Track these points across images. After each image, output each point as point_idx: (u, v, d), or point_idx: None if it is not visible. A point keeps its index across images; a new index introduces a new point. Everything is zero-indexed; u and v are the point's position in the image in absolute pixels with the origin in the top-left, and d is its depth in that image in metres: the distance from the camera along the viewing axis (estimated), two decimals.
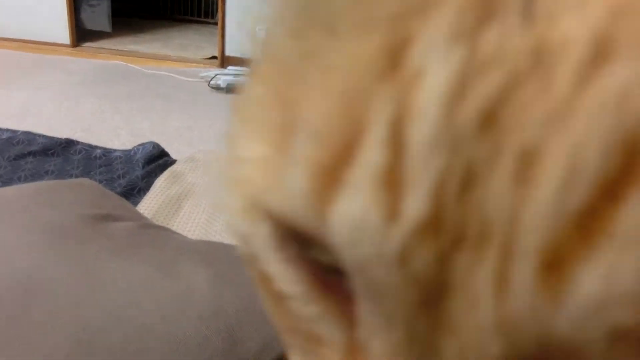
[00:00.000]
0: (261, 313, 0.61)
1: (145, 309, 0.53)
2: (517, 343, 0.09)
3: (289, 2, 0.13)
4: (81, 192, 0.85)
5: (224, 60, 2.75)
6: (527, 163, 0.08)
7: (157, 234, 0.72)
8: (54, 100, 2.04)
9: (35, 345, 0.48)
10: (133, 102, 2.11)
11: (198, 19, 3.99)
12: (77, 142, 1.47)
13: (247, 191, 0.13)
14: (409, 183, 0.09)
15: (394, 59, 0.10)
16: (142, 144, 1.44)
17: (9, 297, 0.53)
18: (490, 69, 0.09)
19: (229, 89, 2.32)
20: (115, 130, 1.76)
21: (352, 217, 0.10)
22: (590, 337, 0.09)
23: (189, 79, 2.45)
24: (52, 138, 1.47)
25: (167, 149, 1.48)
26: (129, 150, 1.44)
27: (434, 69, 0.09)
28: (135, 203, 1.12)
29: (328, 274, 0.13)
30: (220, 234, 0.98)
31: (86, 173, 1.29)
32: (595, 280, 0.08)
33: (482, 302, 0.09)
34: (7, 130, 1.50)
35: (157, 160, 1.35)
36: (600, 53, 0.08)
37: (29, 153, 1.37)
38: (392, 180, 0.09)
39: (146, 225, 0.77)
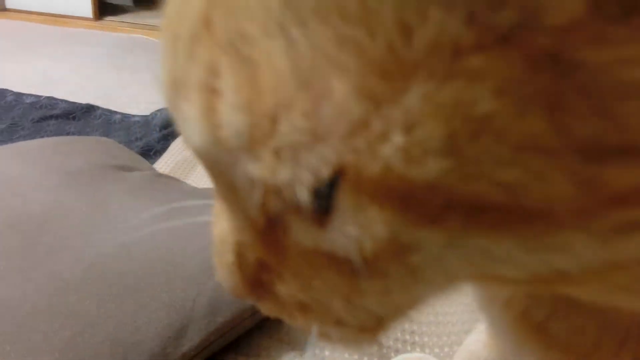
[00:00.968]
0: None
1: (153, 240, 0.56)
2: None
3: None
4: (98, 145, 0.88)
5: None
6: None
7: (168, 181, 0.75)
8: (75, 70, 2.09)
9: (51, 266, 0.51)
10: (152, 73, 2.14)
11: None
12: (98, 107, 1.51)
13: None
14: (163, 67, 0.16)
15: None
16: (160, 109, 1.47)
17: (28, 224, 0.56)
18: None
19: None
20: (134, 98, 1.80)
21: (160, 84, 0.17)
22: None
23: None
24: (73, 103, 1.51)
25: None
26: (147, 115, 1.47)
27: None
28: (152, 163, 1.16)
29: None
30: None
31: (105, 136, 1.33)
32: None
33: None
34: (31, 95, 1.55)
35: (174, 124, 1.38)
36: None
37: (51, 116, 1.42)
38: (164, 62, 0.17)
39: (159, 175, 0.80)
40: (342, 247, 0.15)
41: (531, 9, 0.11)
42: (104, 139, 0.98)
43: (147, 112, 1.52)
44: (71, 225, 0.57)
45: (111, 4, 3.05)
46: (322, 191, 0.14)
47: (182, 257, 0.55)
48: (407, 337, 0.59)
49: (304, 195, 0.14)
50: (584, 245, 0.13)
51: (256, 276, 0.20)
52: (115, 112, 1.50)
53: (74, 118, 1.44)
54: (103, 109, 1.51)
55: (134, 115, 1.49)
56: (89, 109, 1.49)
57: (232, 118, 0.14)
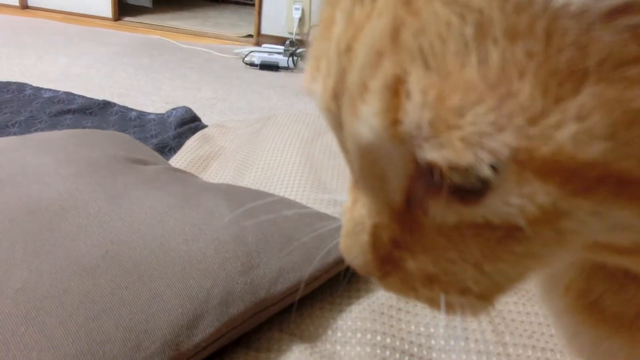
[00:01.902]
0: (281, 245, 0.63)
1: (169, 230, 0.56)
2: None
3: None
4: (115, 139, 0.89)
5: (260, 39, 2.79)
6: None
7: (183, 176, 0.76)
8: (93, 68, 2.11)
9: (67, 252, 0.51)
10: (168, 72, 2.16)
11: (236, 0, 4.05)
12: (114, 104, 1.53)
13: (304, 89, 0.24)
14: (328, 77, 0.20)
15: (331, 21, 0.21)
16: (175, 108, 1.48)
17: (46, 212, 0.57)
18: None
19: (263, 66, 2.35)
20: (149, 97, 1.82)
21: (315, 90, 0.21)
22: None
23: (224, 55, 2.49)
24: (90, 99, 1.53)
25: (201, 117, 1.52)
26: (163, 114, 1.48)
27: (335, 28, 0.20)
28: (167, 159, 1.16)
29: None
30: (247, 187, 1.01)
31: (121, 131, 1.34)
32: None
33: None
34: (50, 90, 1.57)
35: (188, 123, 1.39)
36: None
37: (69, 111, 1.43)
38: (325, 76, 0.20)
39: (173, 169, 0.81)
40: (503, 215, 0.19)
41: None
42: (120, 133, 0.98)
43: (162, 111, 1.54)
44: (88, 213, 0.58)
45: (130, 4, 3.10)
46: (483, 172, 0.17)
47: (197, 247, 0.55)
48: (423, 340, 0.59)
49: (484, 172, 0.17)
50: None
51: (388, 253, 0.23)
52: (132, 109, 1.51)
53: (90, 113, 1.45)
54: (119, 106, 1.52)
55: (149, 113, 1.51)
56: (106, 105, 1.50)
57: (416, 115, 0.17)
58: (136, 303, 0.47)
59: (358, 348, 0.55)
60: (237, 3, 4.02)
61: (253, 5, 2.93)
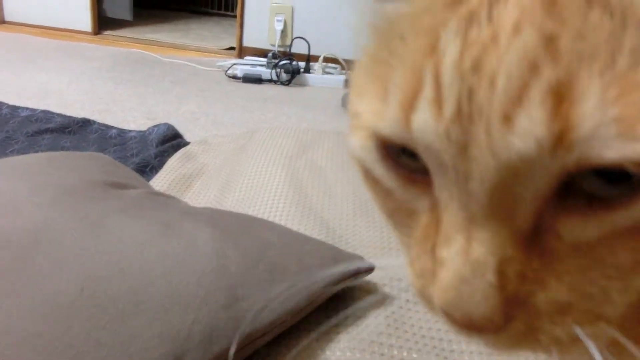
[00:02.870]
0: (265, 274, 0.61)
1: (149, 262, 0.54)
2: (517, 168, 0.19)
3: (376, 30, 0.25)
4: (93, 161, 0.86)
5: (242, 51, 2.77)
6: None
7: (164, 200, 0.73)
8: (73, 84, 2.08)
9: (40, 290, 0.49)
10: (149, 87, 2.13)
11: (218, 11, 4.02)
12: (94, 122, 1.50)
13: (364, 129, 0.24)
14: (443, 101, 0.20)
15: (433, 48, 0.20)
16: (157, 125, 1.45)
17: (19, 244, 0.54)
18: (471, 46, 0.20)
19: (246, 78, 2.33)
20: (131, 112, 1.79)
21: (422, 121, 0.20)
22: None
23: (206, 68, 2.47)
24: (69, 117, 1.49)
25: (182, 132, 1.50)
26: (144, 131, 1.45)
27: (449, 50, 0.20)
28: (147, 180, 1.14)
29: (415, 173, 0.23)
30: (230, 207, 0.99)
31: (101, 151, 1.31)
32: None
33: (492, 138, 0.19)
34: (27, 108, 1.53)
35: (170, 141, 1.36)
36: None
37: (46, 130, 1.40)
38: (436, 102, 0.20)
39: (155, 193, 0.78)
40: None
41: None
42: (99, 154, 0.96)
43: (144, 127, 1.51)
44: (64, 245, 0.55)
45: (111, 18, 3.06)
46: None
47: (178, 280, 0.53)
48: (445, 345, 0.57)
49: None
50: None
51: (515, 292, 0.21)
52: (112, 127, 1.48)
53: (69, 132, 1.42)
54: (99, 124, 1.49)
55: (130, 131, 1.48)
56: (85, 123, 1.47)
57: (596, 115, 0.18)
58: (114, 345, 0.45)
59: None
60: (219, 15, 4.00)
61: (234, 17, 2.92)
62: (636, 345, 0.22)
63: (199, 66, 2.50)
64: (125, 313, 0.48)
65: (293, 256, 0.59)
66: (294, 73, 2.36)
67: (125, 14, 3.06)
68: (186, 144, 1.38)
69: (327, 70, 2.48)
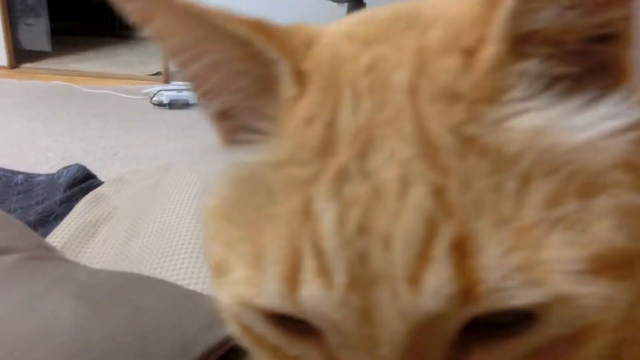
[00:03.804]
0: (134, 349, 0.56)
1: (2, 346, 0.49)
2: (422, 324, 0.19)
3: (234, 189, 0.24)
4: None
5: (169, 76, 2.70)
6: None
7: (38, 266, 0.67)
8: None
9: None
10: (67, 123, 2.03)
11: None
12: None
13: (235, 296, 0.22)
14: (332, 270, 0.19)
15: (307, 212, 0.19)
16: (68, 167, 1.38)
17: None
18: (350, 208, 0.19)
19: (172, 105, 2.26)
20: (44, 153, 1.69)
21: (310, 294, 0.19)
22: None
23: (131, 97, 2.38)
24: None
25: (100, 169, 1.42)
26: (53, 174, 1.37)
27: (325, 215, 0.19)
28: (49, 230, 1.07)
29: (301, 325, 0.21)
30: (134, 255, 0.93)
31: (3, 200, 1.23)
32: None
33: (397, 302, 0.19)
34: None
35: (80, 183, 1.29)
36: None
37: None
38: (322, 272, 0.19)
39: (33, 257, 0.72)
40: (570, 322, 0.19)
41: None
42: None
43: (57, 168, 1.42)
44: None
45: (28, 50, 2.91)
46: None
47: None
48: None
49: (584, 291, 0.18)
50: None
51: None
52: (18, 173, 1.39)
53: None
54: (4, 170, 1.40)
55: (39, 175, 1.39)
56: None
57: (496, 269, 0.17)
58: None
59: None
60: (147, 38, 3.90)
61: None
62: None
63: (124, 95, 2.42)
64: None
65: (167, 323, 0.55)
66: None
67: (44, 44, 2.93)
68: (99, 184, 1.31)
69: None
